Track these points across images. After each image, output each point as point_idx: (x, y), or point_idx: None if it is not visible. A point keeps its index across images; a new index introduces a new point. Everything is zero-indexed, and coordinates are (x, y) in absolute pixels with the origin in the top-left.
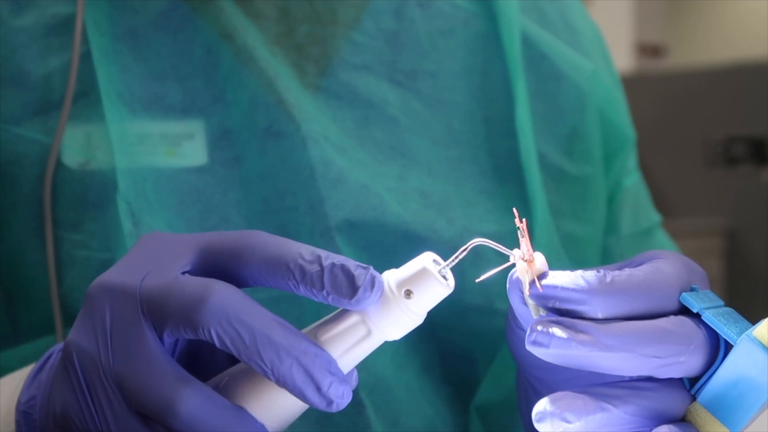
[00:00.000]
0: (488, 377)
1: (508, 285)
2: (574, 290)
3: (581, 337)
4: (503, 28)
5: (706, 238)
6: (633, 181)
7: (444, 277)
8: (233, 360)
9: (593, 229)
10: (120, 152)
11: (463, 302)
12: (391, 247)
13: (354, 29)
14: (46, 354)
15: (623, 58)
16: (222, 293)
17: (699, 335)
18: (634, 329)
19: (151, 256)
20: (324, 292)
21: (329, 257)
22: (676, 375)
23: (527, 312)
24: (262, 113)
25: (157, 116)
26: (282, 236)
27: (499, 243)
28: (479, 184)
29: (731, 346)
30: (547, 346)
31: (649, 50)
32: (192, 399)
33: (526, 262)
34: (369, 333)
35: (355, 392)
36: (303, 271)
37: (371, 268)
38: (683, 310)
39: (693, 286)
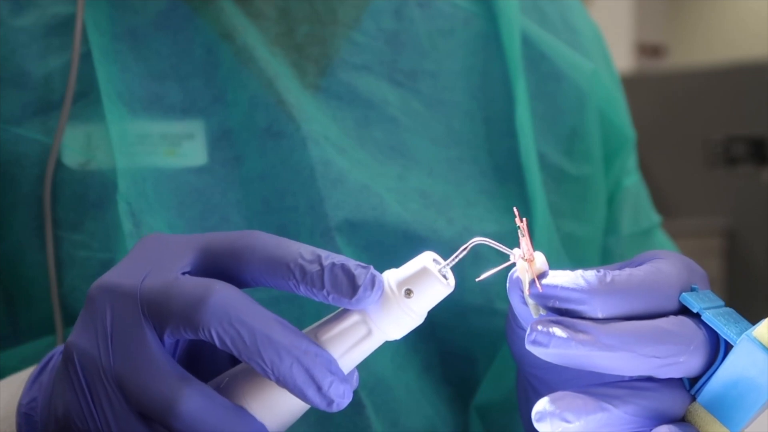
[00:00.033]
0: (488, 377)
1: (508, 284)
2: (574, 290)
3: (581, 336)
4: (503, 28)
5: (706, 238)
6: (633, 181)
7: (444, 276)
8: (234, 361)
9: (593, 229)
10: (120, 152)
11: (463, 302)
12: (391, 247)
13: (354, 29)
14: (48, 356)
15: (623, 58)
16: (222, 293)
17: (699, 335)
18: (634, 329)
19: (152, 257)
20: (324, 292)
21: (329, 257)
22: (676, 375)
23: (527, 311)
24: (262, 113)
25: (157, 116)
26: (282, 236)
27: (499, 243)
28: (479, 184)
29: (731, 347)
30: (546, 346)
31: (649, 50)
32: (192, 399)
33: (526, 262)
34: (369, 332)
35: (355, 392)
36: (303, 271)
37: (371, 267)
38: (683, 310)
39: (693, 286)
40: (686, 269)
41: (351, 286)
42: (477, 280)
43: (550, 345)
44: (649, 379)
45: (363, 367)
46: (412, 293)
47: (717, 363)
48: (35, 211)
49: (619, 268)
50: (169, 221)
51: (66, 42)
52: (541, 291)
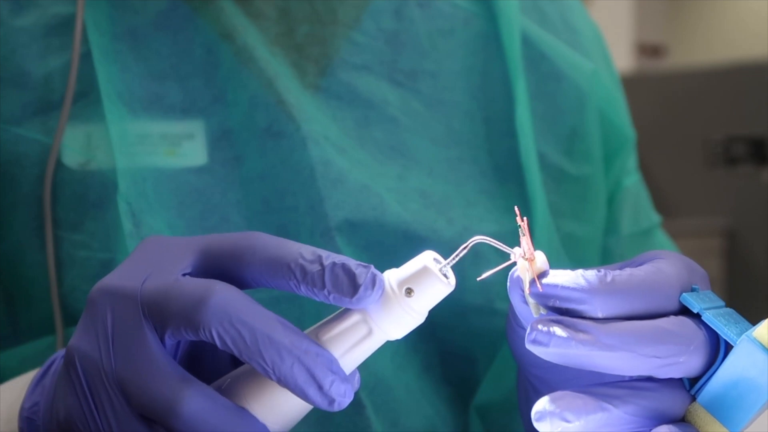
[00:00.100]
0: (488, 377)
1: (508, 283)
2: (574, 289)
3: (581, 336)
4: (503, 28)
5: (706, 238)
6: (633, 181)
7: (445, 275)
8: (235, 362)
9: (593, 229)
10: (120, 152)
11: (463, 302)
12: (391, 247)
13: (354, 29)
14: (50, 360)
15: (623, 58)
16: (223, 293)
17: (699, 335)
18: (634, 329)
19: (152, 259)
20: (325, 291)
21: (330, 257)
22: (676, 375)
23: (528, 311)
24: (262, 113)
25: (157, 116)
26: (282, 236)
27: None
28: (479, 184)
29: (731, 347)
30: (546, 345)
31: (649, 50)
32: (194, 400)
33: (526, 261)
34: (370, 332)
35: (355, 392)
36: (304, 271)
37: (372, 266)
38: (683, 311)
39: (693, 286)
40: (687, 269)
41: (352, 286)
42: (478, 279)
43: (551, 344)
44: (649, 379)
45: (363, 367)
46: (413, 292)
47: (717, 363)
48: (35, 211)
49: (620, 268)
50: (169, 221)
51: (66, 42)
52: (541, 290)
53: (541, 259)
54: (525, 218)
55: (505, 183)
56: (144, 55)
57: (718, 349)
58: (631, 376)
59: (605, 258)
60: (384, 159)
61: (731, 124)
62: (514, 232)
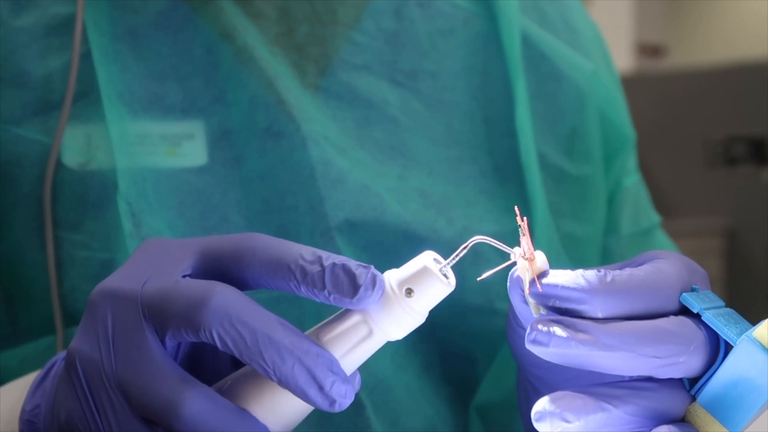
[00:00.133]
0: (488, 377)
1: (508, 283)
2: (574, 289)
3: (581, 336)
4: (503, 28)
5: (706, 238)
6: (633, 181)
7: (445, 275)
8: (236, 364)
9: (593, 229)
10: (120, 152)
11: (463, 302)
12: (391, 247)
13: (354, 29)
14: (50, 362)
15: (623, 58)
16: (223, 294)
17: (699, 336)
18: (634, 329)
19: (152, 261)
20: (325, 292)
21: (330, 257)
22: (676, 375)
23: (528, 310)
24: (262, 113)
25: (157, 116)
26: (282, 236)
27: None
28: (479, 184)
29: (731, 347)
30: (546, 345)
31: (649, 50)
32: (195, 401)
33: (526, 261)
34: (371, 333)
35: (356, 393)
36: (304, 272)
37: (372, 267)
38: (683, 311)
39: (694, 286)
40: (687, 269)
41: (352, 286)
42: (478, 279)
43: (551, 344)
44: (649, 379)
45: (363, 367)
46: (413, 292)
47: (717, 363)
48: (35, 211)
49: (620, 268)
50: (169, 221)
51: (66, 42)
52: (541, 290)
53: (541, 259)
54: (525, 218)
55: (505, 183)
56: (144, 55)
57: (718, 349)
58: (631, 376)
59: (605, 258)
60: (384, 159)
61: (731, 124)
62: (515, 232)
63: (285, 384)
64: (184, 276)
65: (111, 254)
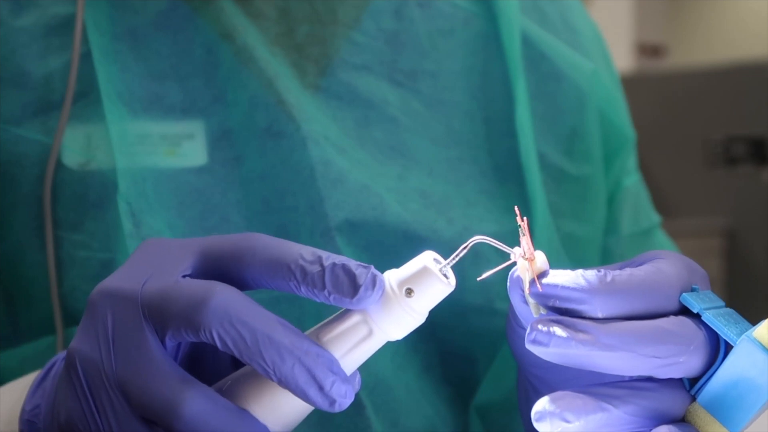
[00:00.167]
0: (488, 377)
1: (508, 283)
2: (574, 289)
3: (581, 336)
4: (503, 28)
5: (706, 238)
6: (633, 181)
7: (445, 275)
8: (236, 364)
9: (593, 229)
10: (120, 152)
11: (463, 302)
12: (391, 247)
13: (354, 29)
14: (50, 362)
15: (623, 58)
16: (223, 294)
17: (699, 336)
18: (634, 329)
19: (152, 261)
20: (325, 292)
21: (330, 257)
22: (676, 375)
23: (528, 310)
24: (262, 113)
25: (157, 116)
26: (282, 236)
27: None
28: (479, 184)
29: (731, 347)
30: (546, 345)
31: (649, 50)
32: (195, 401)
33: (526, 261)
34: (371, 333)
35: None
36: (304, 272)
37: (372, 267)
38: (683, 311)
39: (694, 286)
40: (687, 269)
41: (352, 286)
42: (478, 279)
43: (550, 344)
44: (649, 379)
45: (363, 367)
46: (413, 292)
47: (717, 363)
48: (35, 211)
49: (620, 268)
50: (169, 221)
51: (66, 42)
52: (541, 290)
53: (541, 259)
54: (525, 218)
55: (505, 183)
56: (144, 55)
57: (718, 349)
58: (631, 376)
59: (605, 258)
60: (384, 159)
61: (731, 124)
62: (515, 232)
63: (285, 384)
64: (184, 276)
65: (111, 254)
